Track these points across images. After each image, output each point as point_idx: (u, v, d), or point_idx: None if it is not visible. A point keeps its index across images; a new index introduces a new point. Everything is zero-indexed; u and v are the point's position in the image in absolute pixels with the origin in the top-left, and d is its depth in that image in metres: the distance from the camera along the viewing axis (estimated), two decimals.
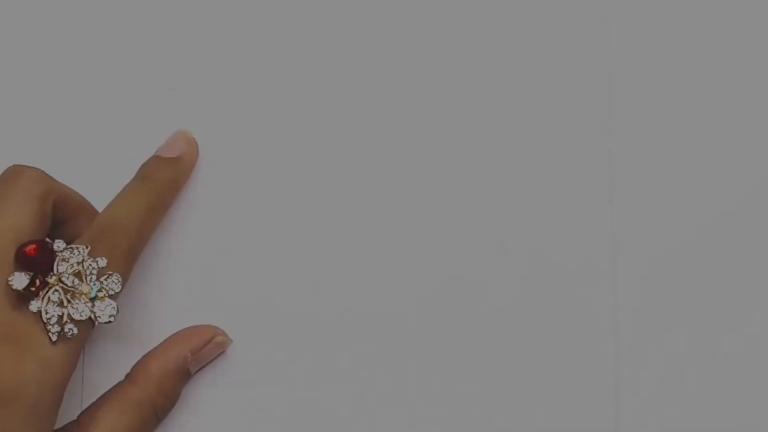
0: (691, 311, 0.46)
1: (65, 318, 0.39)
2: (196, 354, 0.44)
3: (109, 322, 0.40)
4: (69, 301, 0.39)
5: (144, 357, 0.44)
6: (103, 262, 0.40)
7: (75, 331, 0.39)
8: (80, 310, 0.39)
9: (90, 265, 0.40)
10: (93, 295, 0.40)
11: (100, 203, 0.44)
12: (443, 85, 0.48)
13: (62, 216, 0.42)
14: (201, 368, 0.45)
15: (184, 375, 0.44)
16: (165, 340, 0.44)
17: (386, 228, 0.47)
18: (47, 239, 0.41)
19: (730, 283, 0.47)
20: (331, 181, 0.47)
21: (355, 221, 0.47)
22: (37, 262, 0.39)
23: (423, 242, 0.47)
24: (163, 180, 0.44)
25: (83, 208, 0.43)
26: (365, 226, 0.47)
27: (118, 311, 0.40)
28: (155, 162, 0.44)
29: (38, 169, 0.41)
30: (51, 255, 0.40)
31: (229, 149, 0.47)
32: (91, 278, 0.40)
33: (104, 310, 0.40)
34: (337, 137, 0.47)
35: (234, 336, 0.46)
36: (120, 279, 0.40)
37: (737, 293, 0.47)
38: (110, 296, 0.40)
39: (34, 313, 0.39)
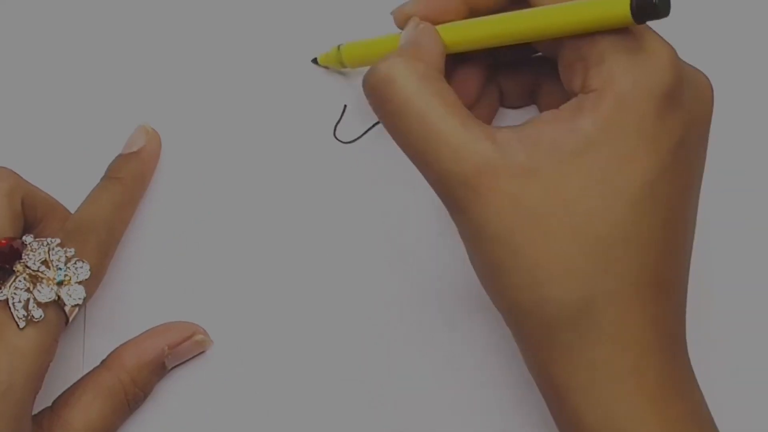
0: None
1: (31, 303, 0.39)
2: (173, 348, 0.44)
3: (77, 305, 0.40)
4: (34, 286, 0.40)
5: (121, 346, 0.44)
6: (70, 251, 0.41)
7: (41, 314, 0.39)
8: (45, 293, 0.40)
9: (58, 252, 0.41)
10: (59, 279, 0.40)
11: (74, 205, 0.45)
12: None
13: (34, 218, 0.43)
14: (178, 365, 0.45)
15: (159, 368, 0.44)
16: (144, 332, 0.45)
17: (369, 224, 0.47)
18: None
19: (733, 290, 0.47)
20: (310, 175, 0.47)
21: (338, 214, 0.47)
22: (4, 253, 0.40)
23: (411, 241, 0.47)
24: (128, 176, 0.45)
25: (55, 209, 0.44)
26: (347, 219, 0.47)
27: (86, 296, 0.41)
28: (119, 160, 0.46)
29: (4, 167, 0.42)
30: (19, 246, 0.40)
31: (211, 148, 0.48)
32: (58, 265, 0.40)
33: (71, 294, 0.40)
34: (314, 131, 0.48)
35: (219, 338, 0.46)
36: (89, 267, 0.41)
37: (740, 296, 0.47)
38: (78, 282, 0.40)
39: (2, 301, 0.39)
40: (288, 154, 0.47)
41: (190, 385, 0.45)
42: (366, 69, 0.46)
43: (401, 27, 0.42)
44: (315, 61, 0.48)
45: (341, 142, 0.47)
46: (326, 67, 0.48)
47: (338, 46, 0.46)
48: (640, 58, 0.36)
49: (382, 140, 0.47)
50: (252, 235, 0.47)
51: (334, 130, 0.47)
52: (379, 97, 0.38)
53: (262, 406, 0.45)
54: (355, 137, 0.47)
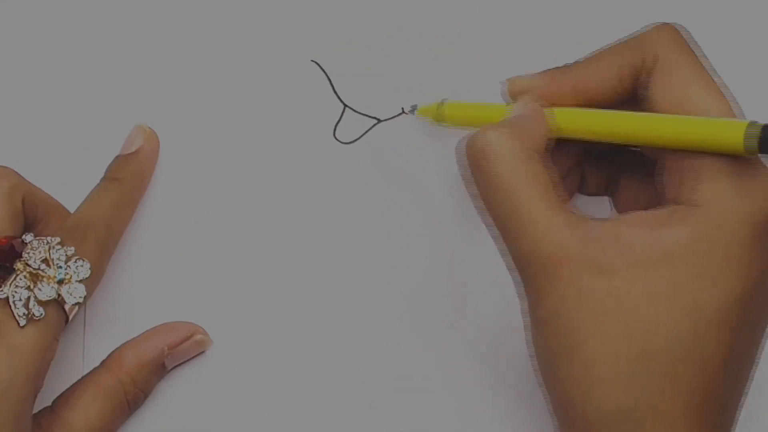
0: None
1: (31, 301, 0.39)
2: (173, 349, 0.44)
3: (78, 304, 0.40)
4: (35, 284, 0.40)
5: (121, 346, 0.44)
6: (71, 250, 0.41)
7: (42, 312, 0.39)
8: (46, 291, 0.40)
9: (58, 251, 0.41)
10: (60, 277, 0.40)
11: (74, 205, 0.45)
12: (439, 88, 0.48)
13: (34, 217, 0.44)
14: (178, 365, 0.45)
15: (158, 368, 0.44)
16: (143, 332, 0.45)
17: (369, 225, 0.47)
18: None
19: None
20: (310, 176, 0.47)
21: (337, 214, 0.47)
22: (4, 252, 0.40)
23: (411, 241, 0.47)
24: (127, 176, 0.45)
25: (55, 209, 0.45)
26: (347, 219, 0.47)
27: (86, 295, 0.41)
28: (117, 161, 0.46)
29: (5, 166, 0.43)
30: (19, 245, 0.41)
31: (210, 148, 0.47)
32: (58, 263, 0.40)
33: (72, 292, 0.40)
34: (314, 131, 0.48)
35: (219, 338, 0.46)
36: (89, 266, 0.41)
37: None
38: (79, 281, 0.40)
39: (3, 300, 0.39)
40: (287, 154, 0.47)
41: (190, 385, 0.45)
42: (462, 130, 0.45)
43: (511, 97, 0.42)
44: (413, 110, 0.47)
45: (341, 142, 0.47)
46: (423, 119, 0.47)
47: (440, 102, 0.46)
48: (742, 181, 0.36)
49: (382, 141, 0.47)
50: (251, 235, 0.47)
51: (334, 130, 0.47)
52: (474, 166, 0.38)
53: (262, 406, 0.45)
54: (355, 138, 0.47)
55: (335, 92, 0.48)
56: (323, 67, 0.48)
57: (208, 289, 0.46)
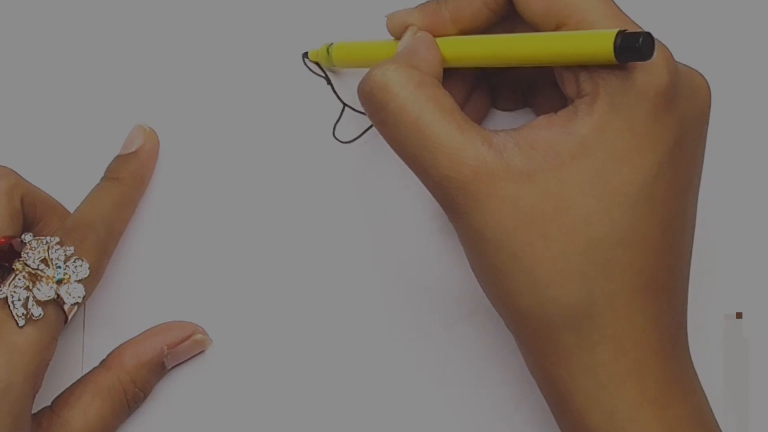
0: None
1: (30, 301, 0.39)
2: (173, 348, 0.44)
3: (77, 304, 0.40)
4: (34, 284, 0.40)
5: (120, 345, 0.44)
6: (70, 250, 0.41)
7: (41, 312, 0.39)
8: (45, 291, 0.40)
9: (57, 251, 0.41)
10: (58, 277, 0.40)
11: (74, 205, 0.45)
12: None
13: (33, 216, 0.44)
14: (178, 365, 0.45)
15: (158, 367, 0.44)
16: (143, 332, 0.45)
17: (368, 224, 0.47)
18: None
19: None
20: (309, 175, 0.47)
21: (337, 214, 0.47)
22: (3, 252, 0.40)
23: (410, 240, 0.47)
24: (128, 176, 0.45)
25: (54, 209, 0.45)
26: (346, 218, 0.47)
27: (86, 295, 0.41)
28: (117, 161, 0.46)
29: (4, 166, 0.43)
30: (18, 245, 0.41)
31: (210, 148, 0.47)
32: (57, 263, 0.40)
33: (71, 292, 0.40)
34: (313, 131, 0.48)
35: (219, 338, 0.46)
36: (88, 265, 0.41)
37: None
38: (78, 281, 0.40)
39: (1, 300, 0.39)
40: (287, 153, 0.47)
41: (190, 385, 0.45)
42: (353, 69, 0.47)
43: (393, 34, 0.42)
44: (306, 55, 0.48)
45: (340, 141, 0.47)
46: (316, 64, 0.48)
47: (328, 47, 0.46)
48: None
49: (381, 140, 0.47)
50: (251, 234, 0.47)
51: (333, 129, 0.48)
52: (375, 104, 0.38)
53: (262, 406, 0.45)
54: (354, 137, 0.47)
55: (334, 91, 0.48)
56: (323, 67, 0.48)
57: (208, 289, 0.46)
